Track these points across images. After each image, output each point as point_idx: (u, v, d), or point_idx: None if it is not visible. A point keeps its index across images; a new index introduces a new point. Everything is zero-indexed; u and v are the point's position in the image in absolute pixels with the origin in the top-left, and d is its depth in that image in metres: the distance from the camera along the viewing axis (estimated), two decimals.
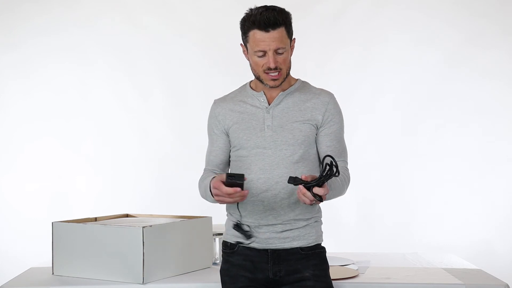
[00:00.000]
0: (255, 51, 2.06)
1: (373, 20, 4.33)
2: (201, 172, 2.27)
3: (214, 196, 1.99)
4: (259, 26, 2.01)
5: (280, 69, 2.07)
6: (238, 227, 2.12)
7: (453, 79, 4.27)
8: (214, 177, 2.03)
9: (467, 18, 4.26)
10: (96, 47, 4.40)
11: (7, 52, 4.37)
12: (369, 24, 4.33)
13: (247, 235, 2.10)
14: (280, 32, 2.03)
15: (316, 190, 1.85)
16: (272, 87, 2.11)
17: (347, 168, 2.17)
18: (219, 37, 4.32)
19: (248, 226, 2.11)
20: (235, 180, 1.92)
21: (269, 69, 2.06)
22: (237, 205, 2.12)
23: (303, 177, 1.87)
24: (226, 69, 4.25)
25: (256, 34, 2.03)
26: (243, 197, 1.94)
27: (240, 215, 2.12)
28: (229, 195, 1.92)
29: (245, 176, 1.98)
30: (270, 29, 2.01)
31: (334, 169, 1.83)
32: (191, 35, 4.42)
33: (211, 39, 4.37)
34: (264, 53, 2.04)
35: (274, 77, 2.08)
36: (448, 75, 4.27)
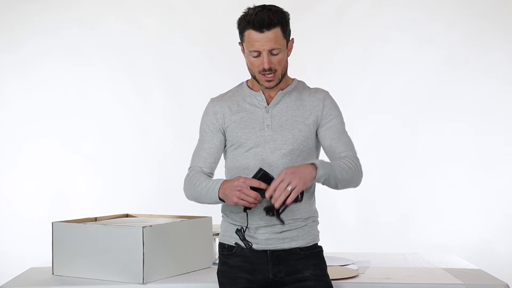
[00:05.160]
0: (250, 51, 2.05)
1: (373, 20, 4.33)
2: None
3: (235, 190, 1.92)
4: (254, 26, 2.00)
5: (275, 70, 2.06)
6: (240, 232, 2.08)
7: (453, 79, 4.27)
8: (225, 180, 2.02)
9: (467, 18, 4.27)
10: (96, 47, 4.40)
11: (7, 52, 4.37)
12: (369, 24, 4.33)
13: (245, 244, 2.07)
14: (275, 32, 2.01)
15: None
16: (267, 87, 2.10)
17: (356, 157, 2.11)
18: (219, 37, 4.32)
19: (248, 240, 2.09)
20: (268, 175, 1.90)
21: (264, 70, 2.05)
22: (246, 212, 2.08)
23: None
24: (226, 69, 4.25)
25: (251, 34, 2.03)
26: (257, 204, 1.94)
27: (247, 222, 2.08)
28: (253, 192, 1.89)
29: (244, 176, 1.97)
30: (265, 30, 2.00)
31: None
32: (191, 35, 4.42)
33: (211, 39, 4.37)
34: (259, 53, 2.03)
35: (268, 79, 2.07)
36: (448, 75, 4.27)
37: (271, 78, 2.07)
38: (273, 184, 1.88)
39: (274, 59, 2.05)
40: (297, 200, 1.89)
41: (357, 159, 2.10)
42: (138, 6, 4.43)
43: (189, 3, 4.44)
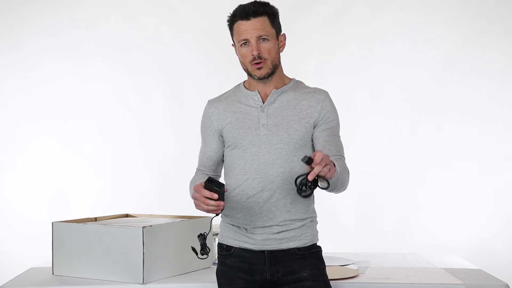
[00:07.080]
0: (239, 41, 2.08)
1: (373, 20, 4.33)
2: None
3: (192, 197, 1.96)
4: (241, 16, 2.06)
5: (265, 58, 2.07)
6: (200, 238, 2.06)
7: (453, 79, 4.27)
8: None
9: (467, 18, 4.27)
10: (96, 47, 4.40)
11: (7, 52, 4.37)
12: (369, 24, 4.33)
13: (202, 251, 2.05)
14: (262, 20, 2.05)
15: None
16: (259, 78, 2.10)
17: (345, 163, 2.13)
18: (219, 37, 4.29)
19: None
20: (213, 186, 1.89)
21: (254, 58, 2.06)
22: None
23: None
24: (226, 69, 4.23)
25: (239, 25, 2.07)
26: (218, 209, 1.91)
27: (210, 227, 2.10)
28: (205, 199, 1.89)
29: (241, 177, 1.96)
30: (251, 17, 2.05)
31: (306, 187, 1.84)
32: (191, 35, 4.42)
33: (211, 39, 4.37)
34: (248, 42, 2.06)
35: (258, 66, 2.07)
36: (448, 75, 4.27)
37: (261, 65, 2.07)
38: (318, 157, 1.79)
39: (263, 47, 2.06)
40: (318, 185, 1.87)
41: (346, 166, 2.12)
42: (138, 6, 4.43)
43: (189, 3, 4.44)
